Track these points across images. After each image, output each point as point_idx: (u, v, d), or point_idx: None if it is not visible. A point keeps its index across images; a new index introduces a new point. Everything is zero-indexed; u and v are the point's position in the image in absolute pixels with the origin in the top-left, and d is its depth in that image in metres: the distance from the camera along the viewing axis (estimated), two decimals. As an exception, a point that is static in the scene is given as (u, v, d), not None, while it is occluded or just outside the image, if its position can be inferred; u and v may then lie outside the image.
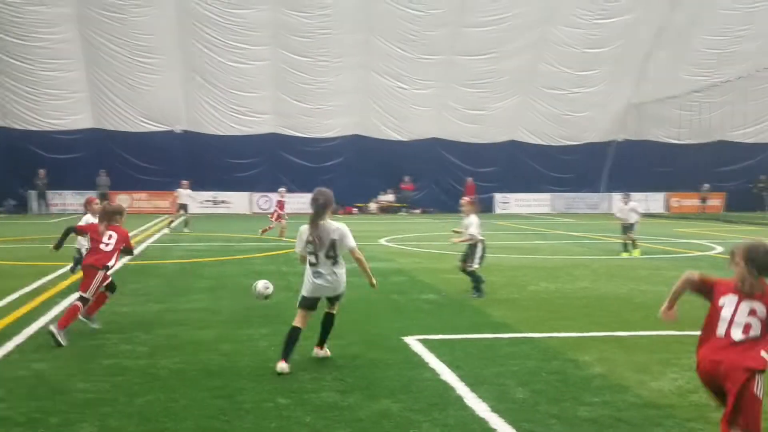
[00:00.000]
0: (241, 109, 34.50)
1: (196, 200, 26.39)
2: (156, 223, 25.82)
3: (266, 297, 6.87)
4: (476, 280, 9.88)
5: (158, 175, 33.93)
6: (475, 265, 9.91)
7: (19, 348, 6.66)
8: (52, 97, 32.55)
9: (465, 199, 10.44)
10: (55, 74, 32.05)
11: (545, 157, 37.79)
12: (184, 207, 23.24)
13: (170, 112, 33.86)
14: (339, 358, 6.39)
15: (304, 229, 6.09)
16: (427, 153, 36.58)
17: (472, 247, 9.99)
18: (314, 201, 6.08)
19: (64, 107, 32.93)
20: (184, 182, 23.75)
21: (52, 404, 5.04)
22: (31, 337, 7.09)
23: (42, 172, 32.34)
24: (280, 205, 20.12)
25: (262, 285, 6.81)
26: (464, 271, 10.08)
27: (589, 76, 36.16)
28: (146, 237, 19.71)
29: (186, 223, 22.90)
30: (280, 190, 21.66)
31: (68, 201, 33.11)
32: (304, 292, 6.14)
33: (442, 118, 36.33)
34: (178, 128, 34.43)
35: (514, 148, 37.68)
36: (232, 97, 34.17)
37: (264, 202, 35.21)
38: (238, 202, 34.79)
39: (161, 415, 4.85)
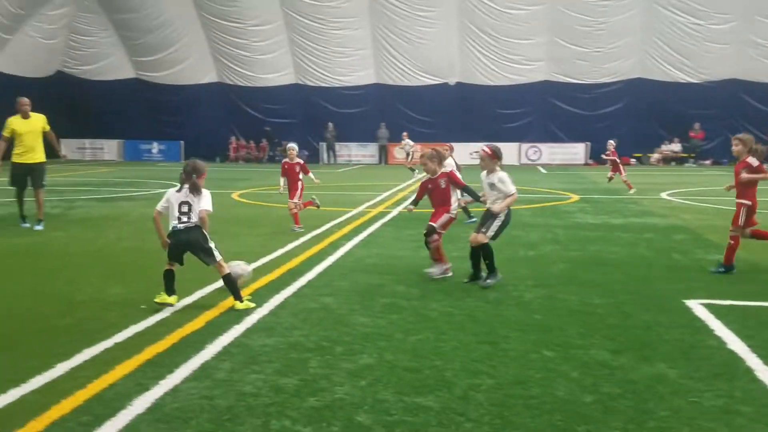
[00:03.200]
0: (513, 57, 34.08)
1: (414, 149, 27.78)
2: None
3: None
4: (488, 256, 7.25)
5: (431, 127, 35.20)
6: (490, 233, 7.24)
7: (310, 283, 7.47)
8: (340, 54, 35.31)
9: (484, 150, 7.38)
10: (343, 32, 34.59)
11: None
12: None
13: (445, 64, 34.72)
14: (610, 317, 6.09)
15: None
16: (722, 97, 32.65)
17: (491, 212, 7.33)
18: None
19: (350, 64, 35.55)
20: (405, 134, 26.05)
21: (337, 334, 5.58)
22: (320, 274, 7.91)
23: (331, 125, 35.63)
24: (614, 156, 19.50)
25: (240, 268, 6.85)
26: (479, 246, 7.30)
27: None
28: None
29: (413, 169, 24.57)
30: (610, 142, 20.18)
31: (353, 152, 36.12)
32: None
33: (743, 55, 31.99)
34: (452, 81, 35.25)
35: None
36: (505, 45, 33.86)
37: (533, 152, 34.68)
38: (506, 152, 34.75)
39: (431, 353, 5.09)
